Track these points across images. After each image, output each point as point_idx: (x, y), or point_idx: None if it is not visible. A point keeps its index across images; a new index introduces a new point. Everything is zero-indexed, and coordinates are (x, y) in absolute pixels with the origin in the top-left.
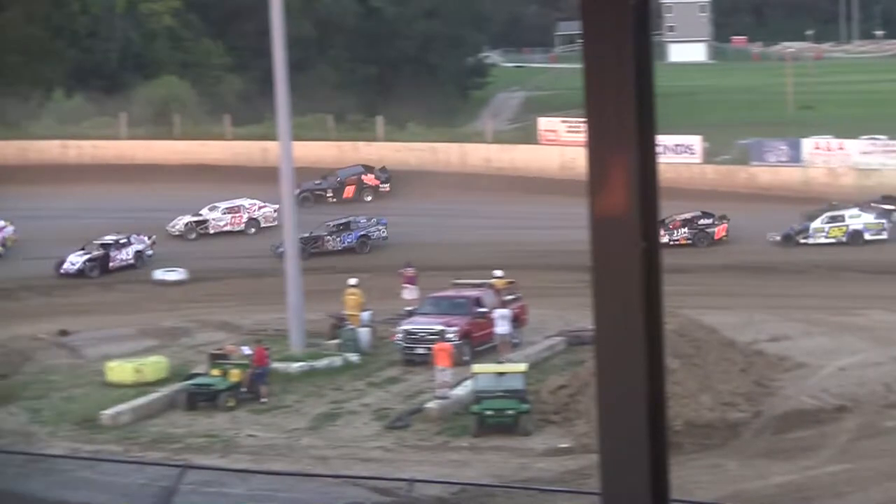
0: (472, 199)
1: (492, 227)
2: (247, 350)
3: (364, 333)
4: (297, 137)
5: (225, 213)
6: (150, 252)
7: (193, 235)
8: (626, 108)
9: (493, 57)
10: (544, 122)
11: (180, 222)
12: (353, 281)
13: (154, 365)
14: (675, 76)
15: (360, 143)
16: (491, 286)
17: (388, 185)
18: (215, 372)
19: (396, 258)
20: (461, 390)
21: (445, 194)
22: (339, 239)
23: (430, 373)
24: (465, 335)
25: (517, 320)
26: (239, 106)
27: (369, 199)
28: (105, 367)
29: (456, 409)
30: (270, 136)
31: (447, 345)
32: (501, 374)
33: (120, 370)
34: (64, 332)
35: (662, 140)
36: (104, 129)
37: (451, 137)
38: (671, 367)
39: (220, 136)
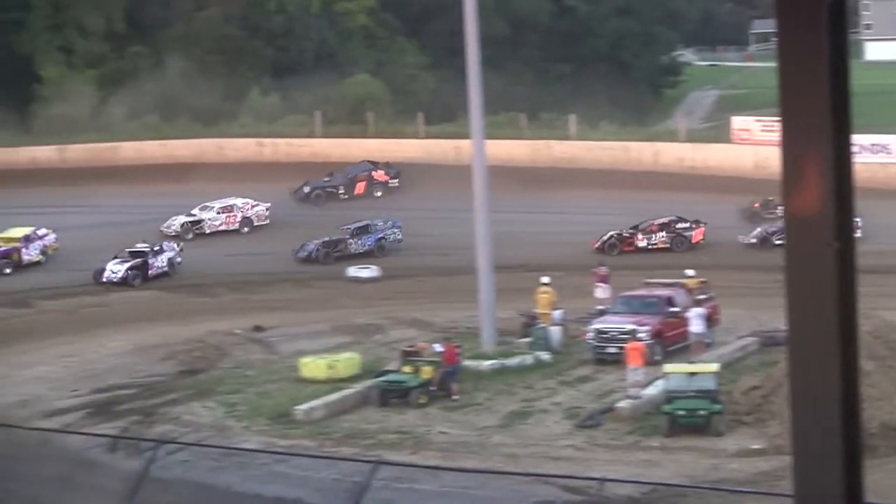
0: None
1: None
2: (438, 347)
3: (555, 332)
4: (490, 136)
5: (219, 213)
6: (178, 259)
7: (190, 236)
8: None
9: (686, 55)
10: (738, 121)
11: (175, 223)
12: (545, 279)
13: (347, 361)
14: (871, 75)
15: (553, 142)
16: (683, 285)
17: (396, 180)
18: (407, 369)
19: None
20: (652, 390)
21: (620, 194)
22: (360, 242)
23: (621, 372)
24: (656, 335)
25: (710, 320)
26: (432, 104)
27: (379, 194)
28: (299, 363)
29: (647, 408)
30: (463, 135)
31: (639, 344)
32: (693, 374)
33: (313, 366)
34: (259, 328)
35: (858, 139)
36: (299, 128)
37: (643, 136)
38: (866, 368)
39: (413, 135)
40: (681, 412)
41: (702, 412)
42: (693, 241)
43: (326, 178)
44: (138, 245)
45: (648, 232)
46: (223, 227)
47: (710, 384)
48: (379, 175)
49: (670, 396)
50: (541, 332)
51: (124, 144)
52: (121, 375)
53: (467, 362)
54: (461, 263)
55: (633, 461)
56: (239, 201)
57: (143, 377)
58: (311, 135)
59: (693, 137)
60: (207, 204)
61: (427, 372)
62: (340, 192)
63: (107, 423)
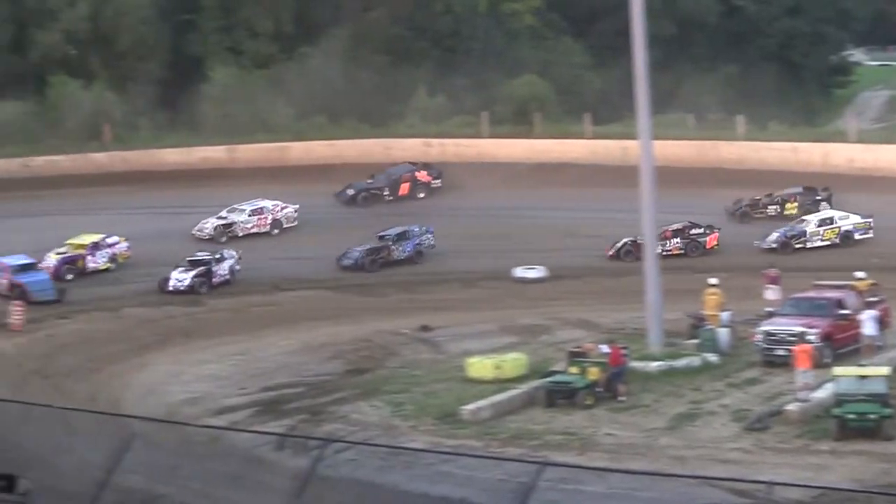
0: None
1: None
2: (605, 348)
3: (723, 334)
4: (657, 136)
5: (251, 215)
6: (237, 267)
7: (224, 239)
8: None
9: (857, 55)
10: None
11: (207, 226)
12: (713, 280)
13: (513, 362)
14: None
15: (720, 143)
16: (853, 287)
17: (439, 181)
18: (574, 370)
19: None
20: (822, 393)
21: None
22: (401, 248)
23: (789, 374)
24: (826, 337)
25: (881, 323)
26: (598, 104)
27: (422, 195)
28: (465, 363)
29: (816, 411)
30: (630, 135)
31: (808, 346)
32: (863, 377)
33: (480, 366)
34: (426, 328)
35: None
36: (466, 128)
37: (812, 137)
38: None
39: (580, 135)
40: (851, 416)
41: (872, 416)
42: (707, 246)
43: (369, 180)
44: (198, 253)
45: (663, 238)
46: (255, 230)
47: (880, 388)
48: (422, 176)
49: (840, 399)
50: (708, 334)
51: (293, 144)
52: (289, 374)
53: (634, 363)
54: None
55: (802, 465)
56: (269, 203)
57: (310, 376)
58: (477, 135)
59: (864, 138)
60: (236, 206)
61: (594, 373)
62: (385, 193)
63: (275, 421)
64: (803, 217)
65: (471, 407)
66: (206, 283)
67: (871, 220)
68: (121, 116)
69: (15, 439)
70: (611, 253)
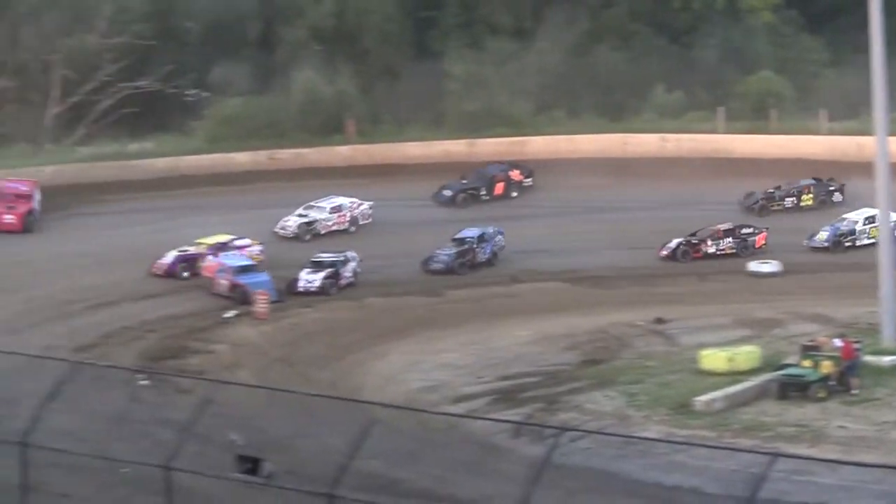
0: None
1: None
2: (838, 342)
3: None
4: (894, 133)
5: (331, 213)
6: (359, 269)
7: (308, 237)
8: None
9: None
10: None
11: (290, 224)
12: None
13: (747, 354)
14: None
15: None
16: None
17: (530, 179)
18: (806, 363)
19: None
20: None
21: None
22: (482, 250)
23: None
24: None
25: None
26: (835, 101)
27: (515, 194)
28: (699, 355)
29: None
30: (866, 132)
31: None
32: None
33: (713, 358)
34: (660, 321)
35: None
36: (702, 123)
37: None
38: None
39: (815, 131)
40: None
41: None
42: (756, 245)
43: (463, 181)
44: (322, 254)
45: (716, 238)
46: (335, 227)
47: None
48: (515, 175)
49: None
50: None
51: (533, 138)
52: (525, 364)
53: (867, 358)
54: None
55: None
56: (346, 201)
57: (546, 366)
58: (713, 130)
59: None
60: (312, 204)
61: (827, 366)
62: (482, 193)
63: (511, 409)
64: (844, 216)
65: (704, 398)
66: (335, 285)
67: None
68: (364, 111)
69: (260, 424)
70: (665, 254)
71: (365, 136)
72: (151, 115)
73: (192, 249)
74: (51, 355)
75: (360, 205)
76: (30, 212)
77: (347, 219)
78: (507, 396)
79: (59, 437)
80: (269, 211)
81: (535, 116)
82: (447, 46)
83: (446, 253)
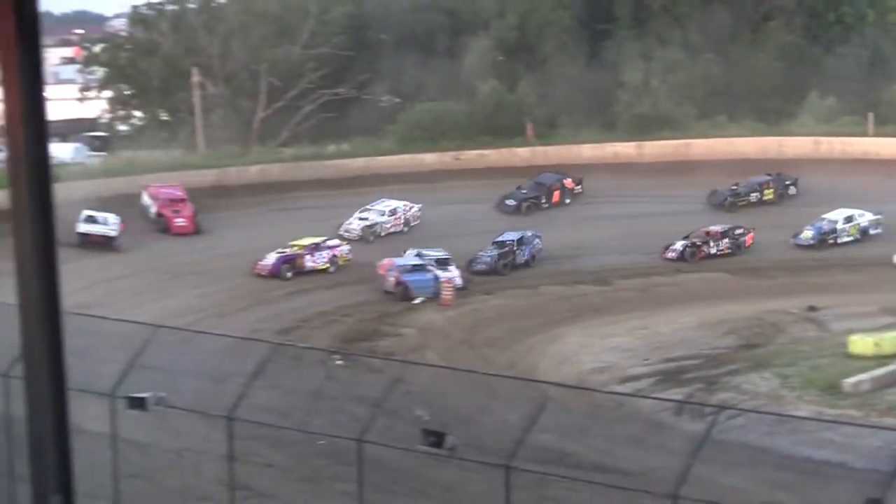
0: None
1: None
2: None
3: None
4: None
5: (389, 216)
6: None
7: (372, 238)
8: None
9: None
10: None
11: (353, 226)
12: None
13: (892, 340)
14: None
15: None
16: None
17: (580, 187)
18: None
19: None
20: None
21: None
22: (522, 252)
23: None
24: None
25: None
26: None
27: (568, 201)
28: (847, 340)
29: None
30: None
31: None
32: None
33: (861, 343)
34: (812, 308)
35: None
36: (853, 128)
37: None
38: None
39: None
40: None
41: None
42: (746, 245)
43: (523, 191)
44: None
45: (717, 239)
46: (393, 229)
47: None
48: (568, 183)
49: None
50: None
51: (696, 142)
52: (687, 347)
53: None
54: None
55: None
56: (400, 204)
57: (707, 350)
58: (863, 134)
59: None
60: (368, 207)
61: None
62: (542, 201)
63: (674, 389)
64: (823, 216)
65: (852, 380)
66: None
67: (881, 216)
68: (542, 115)
69: (444, 401)
70: (671, 255)
71: (543, 139)
72: (348, 120)
73: (288, 251)
74: (255, 338)
75: (411, 208)
76: (195, 213)
77: (402, 221)
78: (670, 377)
79: (262, 413)
80: (452, 207)
81: (699, 121)
82: (620, 56)
83: (489, 255)
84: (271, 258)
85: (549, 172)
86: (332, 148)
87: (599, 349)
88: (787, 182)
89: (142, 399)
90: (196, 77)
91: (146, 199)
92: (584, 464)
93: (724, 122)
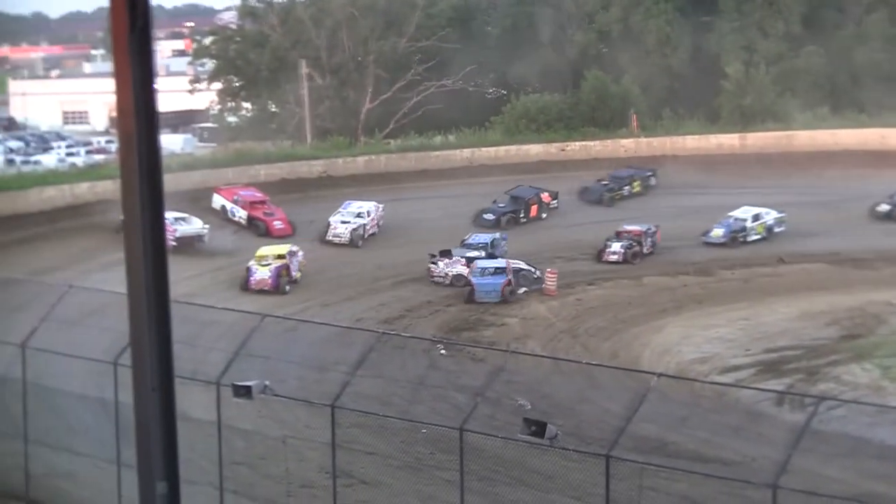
0: None
1: None
2: None
3: None
4: None
5: (367, 218)
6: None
7: (360, 242)
8: None
9: None
10: None
11: (345, 231)
12: None
13: None
14: None
15: None
16: None
17: (556, 201)
18: None
19: None
20: None
21: None
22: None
23: None
24: None
25: None
26: None
27: (545, 216)
28: None
29: None
30: None
31: None
32: None
33: None
34: None
35: None
36: None
37: None
38: None
39: None
40: None
41: None
42: (657, 241)
43: (501, 205)
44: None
45: (641, 238)
46: (371, 230)
47: None
48: (545, 197)
49: None
50: None
51: (799, 133)
52: (789, 338)
53: None
54: None
55: None
56: (370, 205)
57: (808, 340)
58: None
59: None
60: (340, 210)
61: None
62: (521, 215)
63: (774, 379)
64: (730, 213)
65: None
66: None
67: (784, 214)
68: (646, 107)
69: (546, 390)
70: (616, 258)
71: (647, 130)
72: (454, 111)
73: (277, 263)
74: (359, 327)
75: (379, 208)
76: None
77: (376, 222)
78: (771, 367)
79: (365, 401)
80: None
81: (802, 113)
82: (723, 48)
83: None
84: (264, 273)
85: (530, 186)
86: (438, 139)
87: (701, 340)
88: (648, 174)
89: (247, 387)
90: (304, 69)
91: (220, 200)
92: (684, 453)
93: (826, 113)
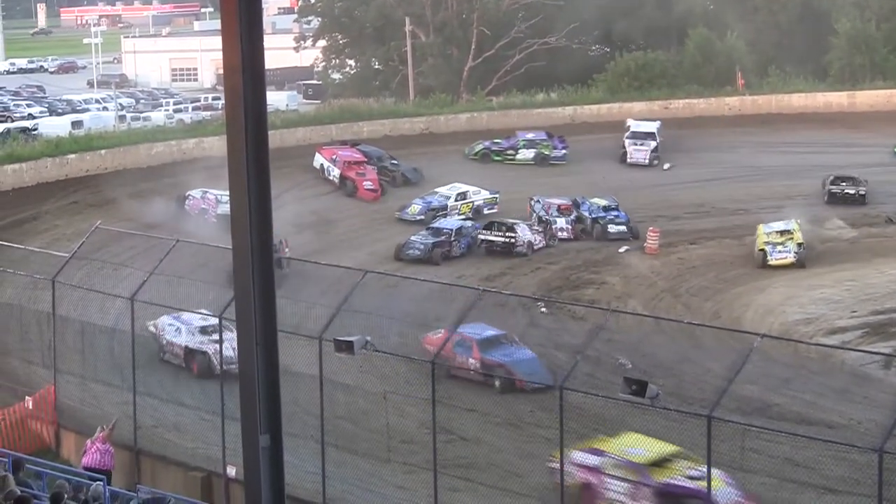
0: None
1: None
2: None
3: None
4: None
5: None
6: None
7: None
8: None
9: None
10: None
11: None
12: None
13: None
14: None
15: None
16: None
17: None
18: None
19: None
20: None
21: None
22: (459, 244)
23: None
24: None
25: None
26: None
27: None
28: None
29: None
30: None
31: None
32: None
33: None
34: None
35: None
36: None
37: None
38: None
39: None
40: None
41: None
42: None
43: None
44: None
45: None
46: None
47: None
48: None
49: None
50: None
51: None
52: None
53: None
54: None
55: None
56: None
57: None
58: None
59: None
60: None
61: None
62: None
63: (882, 342)
64: (436, 189)
65: None
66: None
67: (497, 194)
68: (752, 64)
69: (647, 349)
70: (567, 235)
71: (752, 88)
72: (556, 69)
73: None
74: (460, 284)
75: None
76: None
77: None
78: (878, 329)
79: None
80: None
81: None
82: (834, 5)
83: (422, 242)
84: None
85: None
86: (540, 97)
87: (806, 300)
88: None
89: (349, 342)
90: (408, 26)
91: (322, 160)
92: (787, 414)
93: None
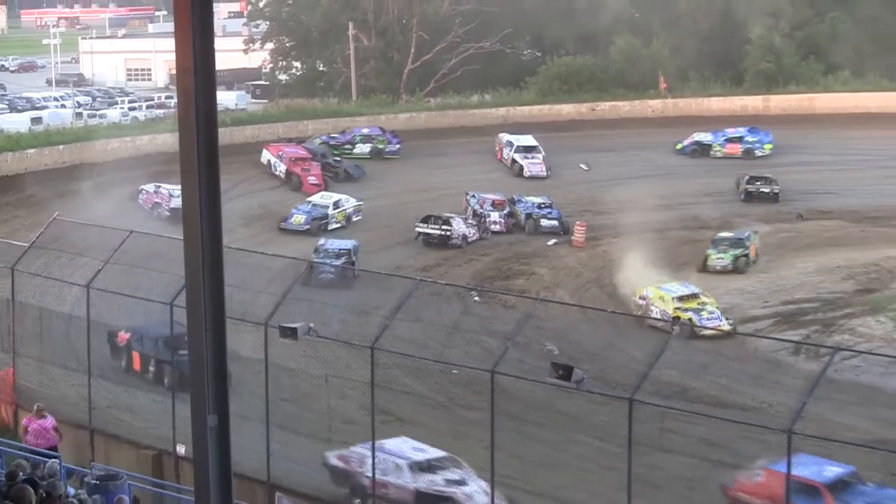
0: None
1: None
2: None
3: None
4: None
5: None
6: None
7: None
8: None
9: None
10: None
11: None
12: None
13: None
14: None
15: None
16: None
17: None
18: None
19: None
20: None
21: None
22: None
23: None
24: None
25: None
26: None
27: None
28: None
29: None
30: None
31: None
32: None
33: None
34: None
35: None
36: None
37: None
38: None
39: None
40: None
41: None
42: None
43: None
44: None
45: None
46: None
47: None
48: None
49: None
50: None
51: (820, 95)
52: (806, 291)
53: None
54: None
55: None
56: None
57: (825, 293)
58: None
59: None
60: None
61: None
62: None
63: (791, 330)
64: (309, 199)
65: None
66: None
67: (361, 202)
68: (674, 69)
69: (573, 337)
70: (496, 228)
71: (674, 92)
72: (491, 72)
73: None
74: (398, 274)
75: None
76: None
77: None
78: (788, 319)
79: (403, 343)
80: (585, 154)
81: (824, 76)
82: (749, 15)
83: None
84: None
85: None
86: (475, 98)
87: (722, 291)
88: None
89: (293, 329)
90: (351, 30)
91: (269, 156)
92: (704, 398)
93: (848, 77)
